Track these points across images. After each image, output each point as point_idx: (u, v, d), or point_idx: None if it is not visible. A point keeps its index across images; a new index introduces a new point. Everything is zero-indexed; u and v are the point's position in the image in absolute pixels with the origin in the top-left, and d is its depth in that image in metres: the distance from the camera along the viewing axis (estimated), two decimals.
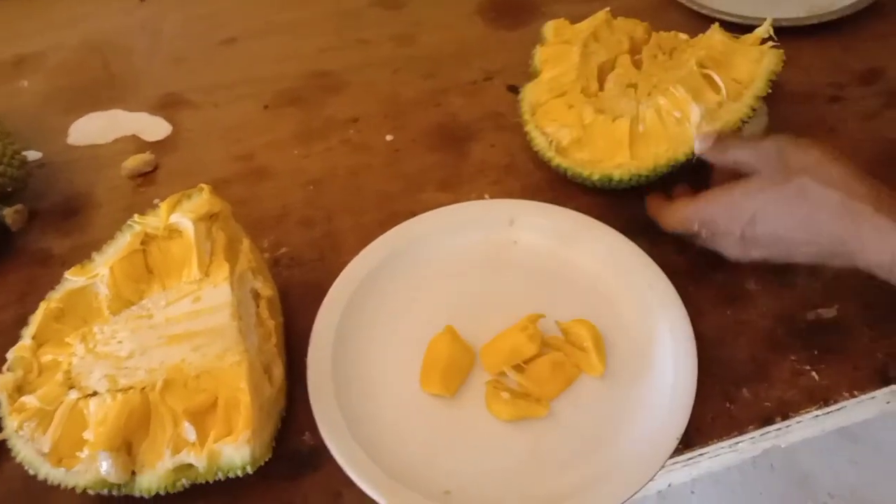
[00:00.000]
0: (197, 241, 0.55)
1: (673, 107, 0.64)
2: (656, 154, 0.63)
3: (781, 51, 0.66)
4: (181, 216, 0.56)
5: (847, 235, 0.51)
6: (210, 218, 0.57)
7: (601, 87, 0.70)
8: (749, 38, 0.68)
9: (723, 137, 0.60)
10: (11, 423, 0.50)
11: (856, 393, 0.56)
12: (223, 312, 0.53)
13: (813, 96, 0.73)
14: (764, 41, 0.67)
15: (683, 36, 0.72)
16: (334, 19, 0.92)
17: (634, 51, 0.72)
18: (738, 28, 0.80)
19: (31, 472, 0.49)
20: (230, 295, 0.53)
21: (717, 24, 0.70)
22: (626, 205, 0.66)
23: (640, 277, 0.60)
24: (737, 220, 0.55)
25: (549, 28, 0.75)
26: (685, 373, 0.55)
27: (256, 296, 0.56)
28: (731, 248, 0.58)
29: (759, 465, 1.44)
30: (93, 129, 0.82)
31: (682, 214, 0.59)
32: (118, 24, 0.96)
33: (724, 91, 0.64)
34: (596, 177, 0.64)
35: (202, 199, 0.57)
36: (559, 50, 0.72)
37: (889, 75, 0.77)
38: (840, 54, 0.80)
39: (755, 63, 0.66)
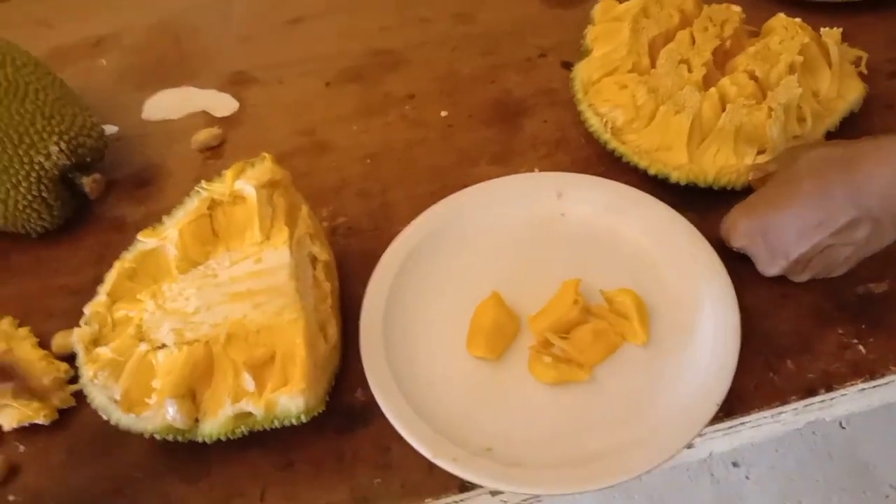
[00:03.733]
0: (259, 206, 0.58)
1: (741, 93, 0.64)
2: (717, 167, 0.64)
3: (865, 85, 0.67)
4: (245, 183, 0.59)
5: (854, 176, 0.50)
6: (272, 185, 0.60)
7: (653, 64, 0.70)
8: (843, 52, 0.68)
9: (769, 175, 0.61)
10: (87, 371, 0.55)
11: None
12: (282, 273, 0.56)
13: (872, 72, 0.72)
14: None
15: (736, 8, 0.72)
16: None
17: (685, 24, 0.72)
18: (792, 3, 0.79)
19: (105, 417, 0.54)
20: (289, 257, 0.57)
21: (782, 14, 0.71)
22: None
23: (686, 249, 0.61)
24: (752, 228, 0.56)
25: (598, 8, 0.76)
26: (727, 340, 0.55)
27: (314, 259, 0.60)
28: (760, 259, 0.58)
29: (818, 454, 1.42)
30: (165, 104, 0.86)
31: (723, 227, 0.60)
32: (189, 3, 1.00)
33: (809, 122, 0.64)
34: (653, 171, 0.65)
35: (264, 167, 0.60)
36: (609, 27, 0.73)
37: None
38: None
39: (838, 83, 0.67)
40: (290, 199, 0.61)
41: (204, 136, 0.80)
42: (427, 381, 0.57)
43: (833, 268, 0.56)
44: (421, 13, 0.92)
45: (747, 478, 1.41)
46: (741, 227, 0.56)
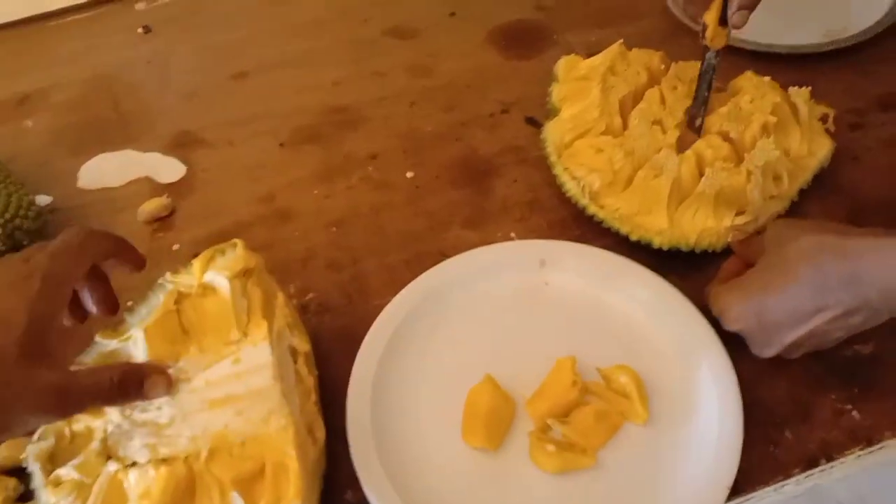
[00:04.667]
0: (234, 299, 0.54)
1: (717, 156, 0.64)
2: (698, 230, 0.63)
3: (833, 141, 0.69)
4: (216, 274, 0.55)
5: (854, 269, 0.50)
6: (244, 274, 0.56)
7: (624, 124, 0.70)
8: (812, 110, 0.69)
9: (751, 237, 0.61)
10: (48, 497, 0.49)
11: None
12: (265, 373, 0.52)
13: (835, 124, 0.73)
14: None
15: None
16: (348, 50, 0.91)
17: (652, 82, 0.72)
18: (753, 55, 0.80)
19: None
20: (270, 355, 0.52)
21: (750, 72, 0.72)
22: None
23: (677, 318, 0.60)
24: (746, 310, 0.55)
25: (561, 65, 0.75)
26: (730, 416, 0.54)
27: (294, 352, 0.56)
28: (753, 342, 0.57)
29: None
30: (104, 171, 0.81)
31: (709, 299, 0.59)
32: (123, 57, 0.94)
33: (785, 182, 0.65)
34: (634, 237, 0.64)
35: (237, 255, 0.56)
36: (576, 86, 0.72)
37: None
38: (858, 80, 0.80)
39: (808, 141, 0.67)
40: (265, 286, 0.57)
41: (151, 206, 0.75)
42: (423, 477, 0.54)
43: (825, 345, 0.56)
44: (374, 66, 0.89)
45: None
46: (734, 312, 0.55)
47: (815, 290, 0.52)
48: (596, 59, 0.75)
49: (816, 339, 0.55)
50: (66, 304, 0.47)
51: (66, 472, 0.50)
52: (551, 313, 0.62)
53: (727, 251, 0.64)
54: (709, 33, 0.66)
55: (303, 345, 0.56)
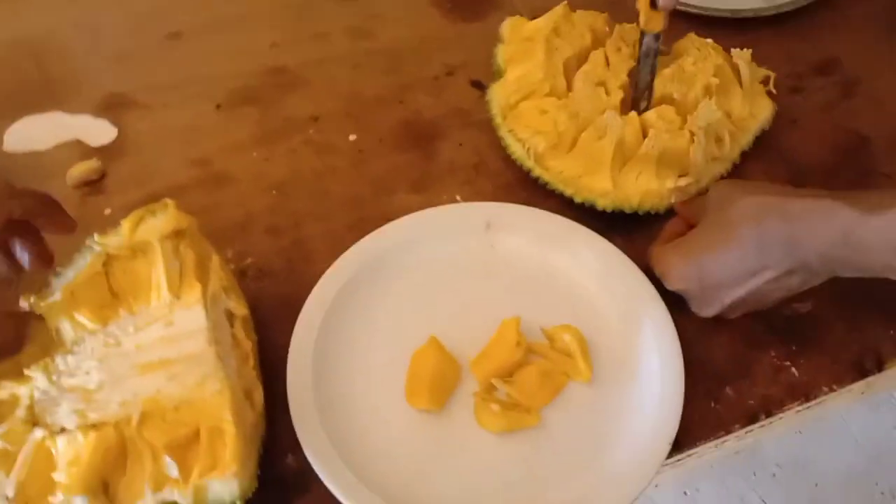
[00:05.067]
0: (165, 260, 0.52)
1: (664, 123, 0.64)
2: (641, 192, 0.63)
3: (774, 104, 0.69)
4: (145, 234, 0.52)
5: (795, 231, 0.50)
6: (176, 235, 0.54)
7: (569, 86, 0.69)
8: (753, 72, 0.69)
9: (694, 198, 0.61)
10: None
11: (835, 387, 0.57)
12: (199, 337, 0.50)
13: (775, 88, 0.74)
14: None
15: None
16: (286, 11, 0.88)
17: (596, 44, 0.72)
18: (697, 18, 0.80)
19: None
20: (204, 318, 0.51)
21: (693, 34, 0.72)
22: None
23: (620, 279, 0.60)
24: (688, 271, 0.55)
25: (506, 26, 0.74)
26: (672, 374, 0.55)
27: (231, 316, 0.54)
28: (695, 302, 0.57)
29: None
30: (31, 134, 0.76)
31: (652, 260, 0.59)
32: (49, 22, 0.89)
33: (727, 143, 0.65)
34: (578, 199, 0.64)
35: (168, 216, 0.54)
36: (521, 48, 0.71)
37: (844, 66, 0.79)
38: (797, 45, 0.81)
39: (750, 103, 0.68)
40: (198, 249, 0.55)
41: (80, 170, 0.72)
42: (366, 440, 0.53)
43: (764, 305, 0.56)
44: (314, 28, 0.86)
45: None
46: (676, 272, 0.56)
47: (755, 251, 0.52)
48: (540, 21, 0.73)
49: (756, 298, 0.55)
50: None
51: None
52: (497, 275, 0.62)
53: (670, 212, 0.64)
54: (642, 18, 0.65)
55: (240, 308, 0.54)
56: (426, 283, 0.61)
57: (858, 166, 0.70)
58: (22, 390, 0.49)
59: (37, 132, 0.77)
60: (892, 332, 0.60)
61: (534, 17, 0.76)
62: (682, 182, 0.63)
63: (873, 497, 1.43)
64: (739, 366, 0.58)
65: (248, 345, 0.53)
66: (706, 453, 0.56)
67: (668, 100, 0.66)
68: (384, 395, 0.55)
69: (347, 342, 0.57)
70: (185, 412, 0.48)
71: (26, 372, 0.49)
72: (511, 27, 0.75)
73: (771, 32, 0.81)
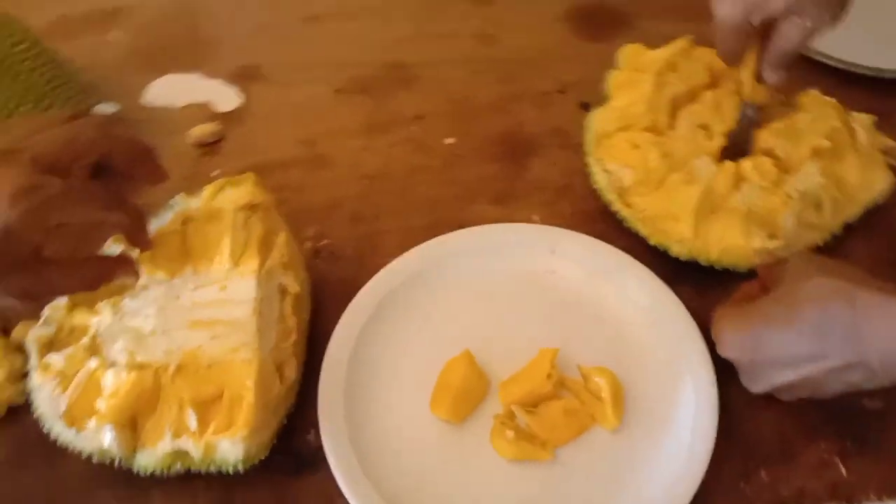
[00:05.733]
0: (233, 229, 0.56)
1: (760, 177, 0.61)
2: (722, 246, 0.60)
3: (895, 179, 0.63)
4: (223, 202, 0.57)
5: (860, 325, 0.46)
6: (251, 208, 0.57)
7: (673, 121, 0.67)
8: (874, 140, 0.64)
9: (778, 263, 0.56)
10: (36, 378, 0.53)
11: (884, 497, 0.52)
12: (245, 306, 0.54)
13: None
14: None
15: None
16: (418, 8, 0.90)
17: (713, 84, 0.68)
18: (833, 72, 0.75)
19: (45, 428, 0.52)
20: (255, 290, 0.54)
21: (816, 90, 0.67)
22: None
23: (672, 330, 0.58)
24: (743, 342, 0.51)
25: (623, 52, 0.72)
26: (700, 442, 0.52)
27: (283, 291, 0.57)
28: (743, 375, 0.54)
29: None
30: (169, 91, 0.84)
31: (713, 319, 0.56)
32: None
33: (827, 212, 0.61)
34: (653, 241, 0.62)
35: (246, 188, 0.58)
36: (632, 77, 0.69)
37: None
38: None
39: (864, 172, 0.63)
40: (269, 224, 0.58)
41: (201, 131, 0.78)
42: (382, 436, 0.55)
43: (822, 394, 0.52)
44: (441, 29, 0.88)
45: None
46: (729, 338, 0.52)
47: (814, 335, 0.48)
48: (658, 52, 0.71)
49: (812, 386, 0.51)
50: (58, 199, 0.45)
51: (55, 359, 0.53)
52: (549, 302, 0.61)
53: (752, 273, 0.60)
54: (745, 88, 0.62)
55: (294, 286, 0.57)
56: (478, 296, 0.62)
57: None
58: (92, 321, 0.55)
59: (174, 90, 0.84)
60: None
61: (657, 47, 0.74)
62: (770, 245, 0.60)
63: None
64: (782, 450, 0.54)
65: (293, 321, 0.56)
66: None
67: (771, 154, 0.62)
68: (411, 397, 0.57)
69: (388, 336, 0.59)
70: (215, 372, 0.51)
71: (98, 306, 0.55)
72: (628, 54, 0.74)
73: None
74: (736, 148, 0.64)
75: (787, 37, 0.58)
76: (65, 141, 0.47)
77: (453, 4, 0.91)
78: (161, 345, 0.53)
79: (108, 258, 0.53)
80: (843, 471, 0.53)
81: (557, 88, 0.80)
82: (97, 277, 0.48)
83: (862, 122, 0.63)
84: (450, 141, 0.76)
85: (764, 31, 0.59)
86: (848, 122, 0.64)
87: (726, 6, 0.58)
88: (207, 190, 0.58)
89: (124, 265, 0.50)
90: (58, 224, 0.45)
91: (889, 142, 0.65)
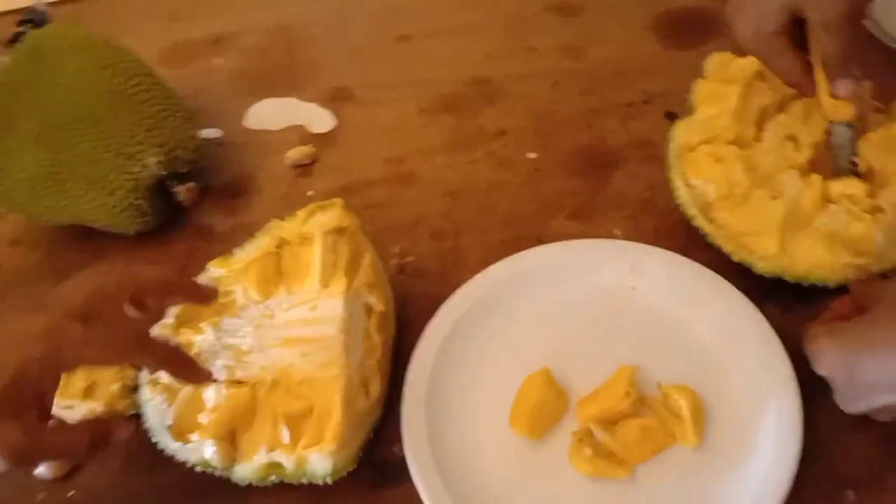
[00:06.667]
0: (323, 252, 0.59)
1: (850, 202, 0.59)
2: (810, 262, 0.58)
3: None
4: (313, 226, 0.60)
5: None
6: (339, 231, 0.61)
7: (760, 133, 0.65)
8: None
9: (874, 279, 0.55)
10: (146, 392, 0.58)
11: None
12: (333, 325, 0.57)
13: None
14: None
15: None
16: (507, 23, 0.92)
17: None
18: None
19: (153, 439, 0.57)
20: (342, 309, 0.57)
21: None
22: None
23: (757, 349, 0.57)
24: (841, 360, 0.50)
25: (711, 61, 0.71)
26: (783, 462, 0.51)
27: (369, 310, 0.60)
28: (839, 394, 0.52)
29: None
30: (268, 114, 0.89)
31: (806, 336, 0.54)
32: (309, 10, 1.02)
33: None
34: (736, 258, 0.60)
35: (333, 213, 0.61)
36: (719, 89, 0.68)
37: None
38: None
39: None
40: (356, 246, 0.61)
41: (297, 153, 0.82)
42: (463, 451, 0.57)
43: None
44: (529, 42, 0.89)
45: None
46: (827, 358, 0.51)
47: None
48: (748, 60, 0.69)
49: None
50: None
51: (164, 375, 0.58)
52: (629, 319, 0.62)
53: (842, 289, 0.58)
54: (824, 110, 0.60)
55: (379, 305, 0.60)
56: (556, 313, 0.63)
57: None
58: (196, 338, 0.59)
59: (272, 114, 0.89)
60: None
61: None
62: (861, 260, 0.58)
63: None
64: (872, 474, 0.52)
65: (378, 339, 0.59)
66: None
67: (865, 169, 0.60)
68: (490, 412, 0.58)
69: (469, 353, 0.61)
70: (306, 388, 0.55)
71: (201, 325, 0.60)
72: (716, 63, 0.72)
73: None
74: (838, 170, 0.62)
75: (818, 37, 0.56)
76: (92, 286, 0.50)
77: (541, 18, 0.91)
78: (257, 362, 0.57)
79: (103, 422, 0.56)
80: None
81: (642, 99, 0.80)
82: (91, 442, 0.50)
83: None
84: (532, 156, 0.77)
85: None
86: None
87: (740, 26, 0.59)
88: (299, 215, 0.61)
89: (118, 427, 0.52)
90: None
91: None
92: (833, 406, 0.55)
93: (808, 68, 0.60)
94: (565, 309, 0.63)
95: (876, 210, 0.57)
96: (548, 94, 0.83)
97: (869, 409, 0.51)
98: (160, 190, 0.75)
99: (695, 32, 0.86)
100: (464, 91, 0.85)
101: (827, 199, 0.59)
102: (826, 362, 0.52)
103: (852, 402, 0.52)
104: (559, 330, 0.62)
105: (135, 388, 0.63)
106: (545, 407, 0.57)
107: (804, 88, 0.61)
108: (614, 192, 0.72)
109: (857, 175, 0.61)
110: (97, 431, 0.50)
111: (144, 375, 0.59)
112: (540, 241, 0.67)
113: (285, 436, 0.53)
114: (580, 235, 0.67)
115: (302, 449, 0.53)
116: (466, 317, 0.62)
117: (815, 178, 0.60)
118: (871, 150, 0.60)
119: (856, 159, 0.61)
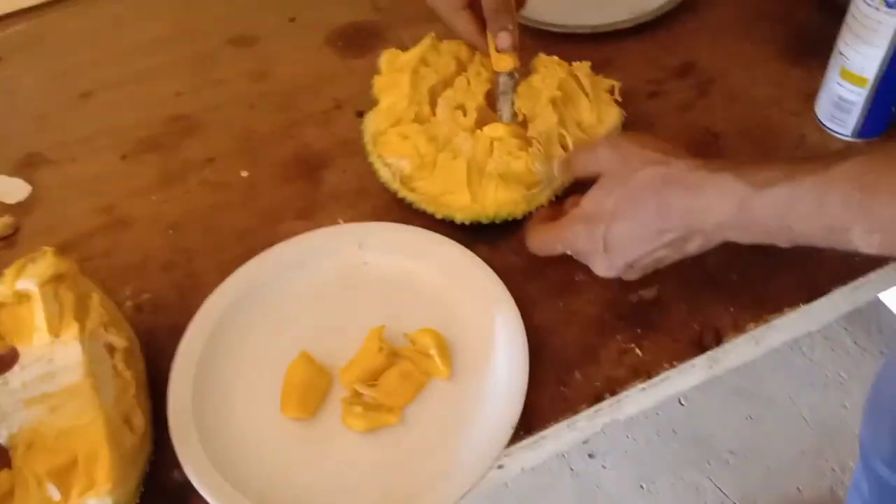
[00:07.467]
0: (45, 304, 0.57)
1: (506, 145, 0.70)
2: (497, 201, 0.68)
3: (621, 110, 0.74)
4: (27, 281, 0.58)
5: (695, 203, 0.54)
6: (56, 279, 0.59)
7: (434, 110, 0.75)
8: (598, 82, 0.75)
9: (569, 155, 0.66)
10: None
11: (675, 363, 0.62)
12: (76, 371, 0.55)
13: (633, 95, 0.80)
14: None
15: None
16: (189, 62, 0.94)
17: (461, 70, 0.77)
18: (561, 37, 0.87)
19: None
20: (81, 353, 0.56)
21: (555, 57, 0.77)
22: None
23: (476, 282, 0.65)
24: (594, 235, 0.59)
25: (383, 59, 0.80)
26: (517, 364, 0.60)
27: (111, 349, 0.59)
28: (599, 264, 0.61)
29: (663, 434, 1.53)
30: None
31: (543, 239, 0.64)
32: None
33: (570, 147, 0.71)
34: (439, 215, 0.69)
35: (46, 262, 0.59)
36: (393, 78, 0.77)
37: (700, 66, 0.85)
38: (658, 52, 0.87)
39: (597, 111, 0.73)
40: (79, 289, 0.60)
41: None
42: (243, 451, 0.58)
43: (660, 265, 0.60)
44: (216, 75, 0.92)
45: (604, 466, 1.50)
46: (584, 238, 0.59)
47: (656, 218, 0.56)
48: (410, 52, 0.79)
49: (654, 260, 0.59)
50: None
51: None
52: (368, 290, 0.67)
53: (528, 217, 0.69)
54: (493, 60, 0.73)
55: (120, 341, 0.59)
56: (303, 302, 0.66)
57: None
58: None
59: None
60: (731, 309, 0.65)
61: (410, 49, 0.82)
62: (534, 191, 0.69)
63: (824, 474, 1.47)
64: (588, 352, 0.63)
65: (128, 374, 0.58)
66: (561, 435, 0.61)
67: (519, 117, 0.72)
68: (261, 408, 0.60)
69: (227, 362, 0.63)
70: (64, 440, 0.53)
71: None
72: (386, 59, 0.81)
73: (633, 43, 0.87)
74: (503, 118, 0.73)
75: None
76: None
77: (222, 52, 0.95)
78: (1, 433, 0.53)
79: None
80: (640, 353, 0.62)
81: (334, 105, 0.87)
82: None
83: (581, 69, 0.74)
84: (245, 174, 0.80)
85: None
86: (572, 72, 0.74)
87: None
88: (8, 274, 0.58)
89: None
90: None
91: (610, 81, 0.76)
92: (546, 309, 0.65)
93: (482, 29, 0.74)
94: (311, 297, 0.67)
95: (528, 145, 0.69)
96: (246, 116, 0.86)
97: (623, 268, 0.60)
98: None
99: (365, 42, 0.95)
100: (162, 130, 0.86)
101: (493, 142, 0.70)
102: (583, 241, 0.60)
103: (609, 267, 0.60)
104: (309, 316, 0.66)
105: None
106: (311, 386, 0.60)
107: (480, 45, 0.75)
108: (330, 188, 0.78)
109: (518, 120, 0.72)
110: None
111: None
112: (272, 245, 0.70)
113: (55, 493, 0.51)
114: (309, 231, 0.71)
115: (77, 498, 0.50)
116: (216, 329, 0.64)
117: (480, 134, 0.71)
118: (520, 102, 0.72)
119: (515, 107, 0.72)
